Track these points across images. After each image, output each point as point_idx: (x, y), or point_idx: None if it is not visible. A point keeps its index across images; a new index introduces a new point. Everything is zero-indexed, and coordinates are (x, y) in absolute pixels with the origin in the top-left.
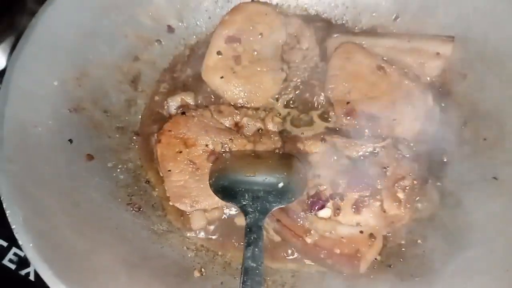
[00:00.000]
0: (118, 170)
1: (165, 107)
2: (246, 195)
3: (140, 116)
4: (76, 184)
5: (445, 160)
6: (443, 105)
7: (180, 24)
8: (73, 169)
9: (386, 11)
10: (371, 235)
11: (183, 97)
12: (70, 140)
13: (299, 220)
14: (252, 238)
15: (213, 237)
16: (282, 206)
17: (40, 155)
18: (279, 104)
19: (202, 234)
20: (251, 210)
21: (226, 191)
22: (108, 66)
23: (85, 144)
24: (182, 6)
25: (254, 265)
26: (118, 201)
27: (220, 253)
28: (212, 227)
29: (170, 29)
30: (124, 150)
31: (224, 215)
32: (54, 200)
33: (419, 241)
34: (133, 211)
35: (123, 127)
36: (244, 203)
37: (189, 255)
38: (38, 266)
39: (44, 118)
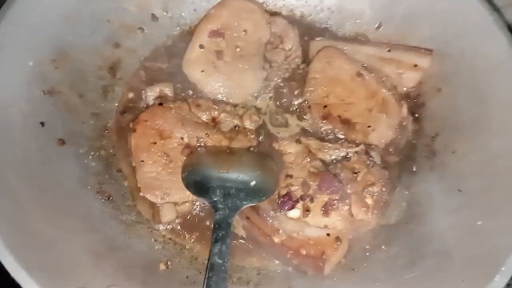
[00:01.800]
0: (90, 157)
1: (143, 97)
2: (218, 191)
3: (116, 104)
4: (45, 168)
5: (414, 169)
6: (416, 116)
7: (164, 13)
8: (44, 153)
9: (370, 20)
10: (337, 238)
11: (161, 88)
12: (42, 123)
13: (268, 219)
14: (220, 234)
15: (182, 230)
16: (252, 205)
17: (10, 136)
18: (258, 102)
19: (170, 227)
20: (221, 206)
21: (198, 186)
22: (87, 51)
23: (58, 128)
24: None
25: (221, 261)
26: (87, 189)
27: (187, 246)
28: (181, 220)
29: (154, 18)
30: (98, 137)
31: (195, 210)
32: (21, 183)
33: (383, 246)
34: (103, 200)
35: (98, 113)
36: (215, 199)
37: (156, 247)
38: (2, 253)
39: (16, 98)
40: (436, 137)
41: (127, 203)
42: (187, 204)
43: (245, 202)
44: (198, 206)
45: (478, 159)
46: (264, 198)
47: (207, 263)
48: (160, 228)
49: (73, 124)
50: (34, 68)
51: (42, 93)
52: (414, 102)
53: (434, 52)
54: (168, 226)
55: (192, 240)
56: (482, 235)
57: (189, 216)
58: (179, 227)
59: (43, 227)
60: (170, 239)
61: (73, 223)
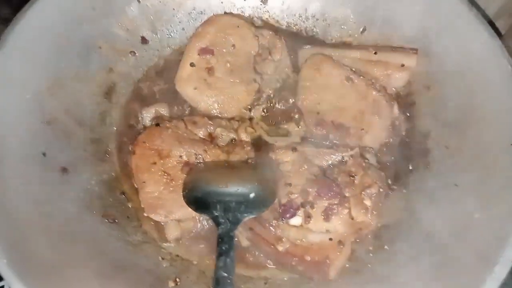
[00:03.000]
0: (93, 182)
1: (140, 119)
2: (218, 206)
3: (115, 128)
4: (49, 197)
5: (410, 168)
6: (408, 115)
7: (154, 35)
8: (47, 182)
9: (354, 24)
10: (340, 242)
11: (157, 108)
12: (44, 154)
13: (271, 228)
14: (223, 248)
15: (188, 246)
16: (253, 216)
17: (13, 168)
18: (252, 114)
19: (177, 244)
20: (222, 220)
21: (199, 202)
22: (82, 78)
23: (59, 156)
24: (155, 17)
25: (226, 275)
26: (93, 213)
27: (195, 262)
28: (187, 237)
29: (144, 40)
30: (99, 162)
31: (199, 225)
32: (26, 214)
33: (385, 246)
34: (108, 223)
35: (98, 138)
36: (216, 214)
37: (164, 265)
38: (11, 281)
39: (16, 131)
40: (429, 134)
41: (133, 224)
42: (191, 220)
43: (246, 215)
44: (202, 222)
45: (470, 152)
46: (264, 209)
47: (213, 277)
48: (167, 246)
49: (74, 152)
50: (32, 100)
51: (41, 123)
52: (405, 101)
53: (420, 51)
54: (175, 243)
55: (200, 255)
56: (480, 227)
57: (193, 232)
58: (186, 243)
59: (50, 253)
60: (177, 255)
61: (79, 247)
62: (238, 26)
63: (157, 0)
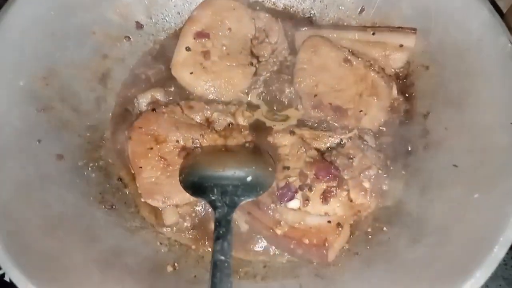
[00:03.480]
0: (89, 168)
1: (135, 104)
2: (215, 190)
3: (110, 114)
4: (46, 184)
5: (409, 149)
6: (407, 95)
7: (148, 20)
8: (43, 170)
9: (352, 5)
10: (339, 224)
11: (153, 93)
12: (39, 141)
13: (269, 212)
14: (221, 232)
15: (187, 231)
16: (250, 200)
17: (8, 157)
18: (249, 98)
19: (175, 229)
20: (219, 204)
21: (195, 187)
22: (76, 65)
23: (55, 143)
24: (150, 2)
25: (223, 258)
26: (90, 200)
27: (193, 247)
28: (185, 222)
29: (139, 25)
30: (95, 148)
31: (197, 210)
32: (23, 202)
33: (384, 228)
34: (106, 209)
35: (93, 125)
36: (213, 198)
37: (163, 250)
38: (8, 268)
39: (11, 118)
40: (428, 115)
41: (130, 210)
42: (188, 205)
43: (242, 198)
44: (200, 206)
45: (469, 134)
46: (261, 192)
47: (211, 261)
48: (165, 231)
49: (69, 138)
50: (25, 87)
51: (36, 110)
52: (404, 82)
53: (419, 30)
54: (173, 229)
55: (197, 239)
56: (479, 207)
57: (191, 217)
58: (183, 228)
59: (49, 242)
60: (175, 241)
61: (78, 234)
62: (234, 9)
63: None
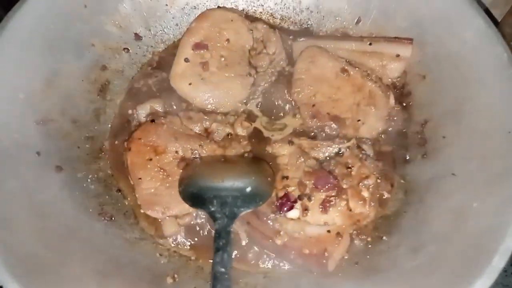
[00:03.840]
0: (89, 180)
1: (134, 115)
2: (215, 201)
3: (109, 125)
4: (45, 197)
5: (407, 158)
6: (404, 105)
7: (147, 31)
8: (42, 182)
9: (349, 15)
10: (338, 234)
11: (152, 104)
12: (38, 153)
13: (269, 221)
14: (221, 243)
15: (186, 242)
16: (250, 210)
17: (7, 169)
18: (248, 108)
19: (174, 240)
20: (219, 215)
21: (195, 198)
22: (75, 77)
23: (54, 155)
24: (148, 14)
25: (223, 270)
26: (89, 212)
27: (193, 258)
28: (184, 233)
29: (138, 37)
30: (94, 159)
31: (196, 221)
32: (22, 214)
33: (384, 237)
34: (105, 221)
35: (93, 136)
36: (212, 209)
37: (162, 262)
38: (5, 281)
39: (10, 131)
40: (425, 124)
41: (130, 221)
42: (188, 216)
43: (242, 209)
44: (199, 217)
45: (468, 141)
46: (261, 202)
47: (211, 273)
48: (165, 242)
49: (68, 150)
50: (25, 100)
51: (35, 123)
52: (401, 91)
53: (415, 40)
54: (173, 239)
55: (197, 250)
56: (478, 216)
57: (190, 228)
58: (183, 239)
59: (47, 253)
60: (175, 252)
61: (77, 246)
62: (232, 20)
63: None
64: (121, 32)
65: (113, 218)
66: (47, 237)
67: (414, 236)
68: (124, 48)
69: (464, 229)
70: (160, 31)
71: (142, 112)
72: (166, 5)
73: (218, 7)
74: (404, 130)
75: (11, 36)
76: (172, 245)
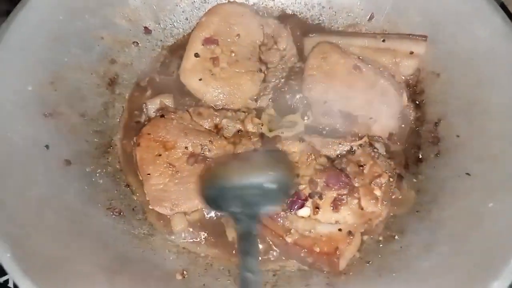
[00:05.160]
0: (97, 174)
1: (144, 110)
2: (236, 201)
3: (118, 119)
4: (54, 191)
5: (420, 157)
6: (417, 103)
7: (157, 25)
8: (50, 176)
9: (361, 11)
10: (350, 233)
11: (161, 99)
12: (47, 146)
13: (279, 219)
14: (246, 247)
15: (195, 239)
16: (274, 208)
17: (16, 163)
18: (258, 104)
19: (184, 236)
20: (242, 217)
21: (218, 202)
22: (84, 70)
23: (62, 149)
24: (158, 7)
25: (251, 275)
26: (97, 206)
27: (202, 254)
28: (193, 229)
29: (147, 30)
30: (103, 154)
31: (205, 217)
32: (31, 208)
33: (396, 237)
34: (113, 216)
35: (101, 130)
36: (236, 210)
37: (171, 258)
38: (16, 276)
39: (18, 124)
40: (439, 123)
41: (138, 217)
42: (197, 212)
43: (267, 207)
44: (209, 214)
45: (481, 141)
46: (284, 197)
47: (239, 278)
48: (173, 239)
49: (77, 144)
50: (33, 92)
51: (44, 116)
52: (414, 89)
53: (429, 37)
54: (181, 236)
55: (207, 247)
56: (493, 216)
57: (201, 224)
58: (192, 235)
59: (57, 249)
60: (184, 248)
61: (85, 241)
62: (242, 15)
63: None
64: (130, 25)
65: (121, 213)
66: (56, 231)
67: (427, 236)
68: (134, 42)
69: (479, 230)
70: (170, 25)
71: (152, 107)
72: None
73: (229, 1)
74: (417, 129)
75: (20, 29)
76: (182, 241)
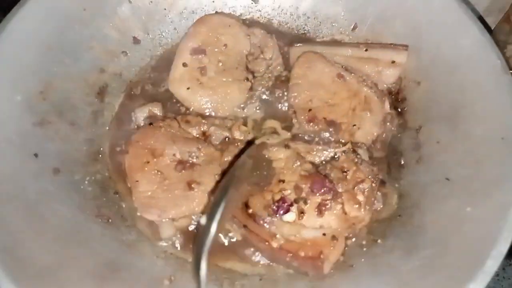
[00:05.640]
0: (86, 182)
1: (133, 118)
2: None
3: (107, 128)
4: (42, 199)
5: (402, 162)
6: (399, 110)
7: (146, 35)
8: (39, 184)
9: (345, 22)
10: (333, 237)
11: (150, 108)
12: (36, 155)
13: (265, 224)
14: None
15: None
16: None
17: (4, 171)
18: (245, 113)
19: (171, 243)
20: None
21: None
22: (73, 79)
23: (51, 157)
24: (147, 18)
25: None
26: (86, 214)
27: (189, 260)
28: (181, 235)
29: (136, 40)
30: (92, 162)
31: (193, 224)
32: (19, 216)
33: (379, 241)
34: (102, 223)
35: (90, 139)
36: None
37: (159, 264)
38: (3, 283)
39: (7, 133)
40: (420, 129)
41: (127, 224)
42: (184, 219)
43: None
44: (197, 220)
45: (462, 147)
46: None
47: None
48: (162, 245)
49: (66, 152)
50: (23, 101)
51: (33, 125)
52: (396, 97)
53: (411, 47)
54: (169, 242)
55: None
56: (471, 221)
57: (187, 231)
58: (179, 242)
59: (45, 256)
60: (171, 254)
61: (74, 248)
62: (229, 26)
63: (148, 0)
64: (119, 35)
65: (110, 221)
66: (44, 238)
67: (409, 240)
68: (123, 51)
69: (459, 233)
70: (159, 35)
71: (140, 115)
72: (165, 9)
73: (216, 12)
74: (399, 135)
75: (10, 38)
76: (169, 247)
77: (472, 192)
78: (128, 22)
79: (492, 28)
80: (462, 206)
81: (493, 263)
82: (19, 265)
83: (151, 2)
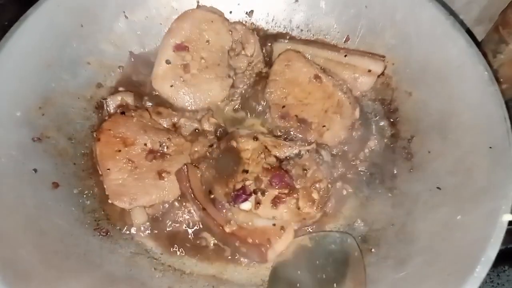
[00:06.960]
0: (84, 196)
1: (104, 106)
2: None
3: None
4: (42, 213)
5: (395, 172)
6: (392, 121)
7: (142, 50)
8: (39, 198)
9: (338, 34)
10: (282, 228)
11: (122, 96)
12: (35, 170)
13: (223, 210)
14: None
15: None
16: None
17: (4, 186)
18: (226, 109)
19: (143, 229)
20: None
21: None
22: (71, 94)
23: (50, 172)
24: (143, 32)
25: None
26: (85, 227)
27: (187, 271)
28: (152, 223)
29: (133, 55)
30: (90, 175)
31: (162, 210)
32: (19, 230)
33: (373, 249)
34: (100, 236)
35: (88, 153)
36: None
37: (157, 276)
38: None
39: (7, 148)
40: (412, 139)
41: (125, 236)
42: (154, 207)
43: None
44: (165, 208)
45: (452, 156)
46: None
47: None
48: (134, 233)
49: (65, 167)
50: (22, 117)
51: (32, 140)
52: (388, 107)
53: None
54: (143, 230)
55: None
56: (461, 228)
57: (158, 217)
58: (151, 230)
59: (44, 270)
60: (169, 266)
61: (73, 262)
62: (212, 21)
63: (144, 15)
64: (116, 50)
65: (108, 233)
66: (44, 252)
67: (401, 248)
68: (119, 66)
69: (449, 241)
70: (155, 49)
71: (112, 103)
72: (161, 24)
73: (198, 6)
74: (391, 145)
75: (9, 55)
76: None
77: (462, 200)
78: (124, 37)
79: (483, 37)
80: (453, 214)
81: (482, 269)
82: (20, 279)
83: (147, 17)
